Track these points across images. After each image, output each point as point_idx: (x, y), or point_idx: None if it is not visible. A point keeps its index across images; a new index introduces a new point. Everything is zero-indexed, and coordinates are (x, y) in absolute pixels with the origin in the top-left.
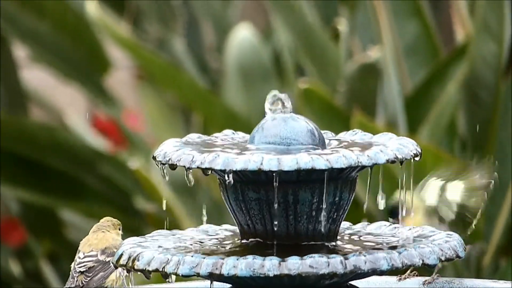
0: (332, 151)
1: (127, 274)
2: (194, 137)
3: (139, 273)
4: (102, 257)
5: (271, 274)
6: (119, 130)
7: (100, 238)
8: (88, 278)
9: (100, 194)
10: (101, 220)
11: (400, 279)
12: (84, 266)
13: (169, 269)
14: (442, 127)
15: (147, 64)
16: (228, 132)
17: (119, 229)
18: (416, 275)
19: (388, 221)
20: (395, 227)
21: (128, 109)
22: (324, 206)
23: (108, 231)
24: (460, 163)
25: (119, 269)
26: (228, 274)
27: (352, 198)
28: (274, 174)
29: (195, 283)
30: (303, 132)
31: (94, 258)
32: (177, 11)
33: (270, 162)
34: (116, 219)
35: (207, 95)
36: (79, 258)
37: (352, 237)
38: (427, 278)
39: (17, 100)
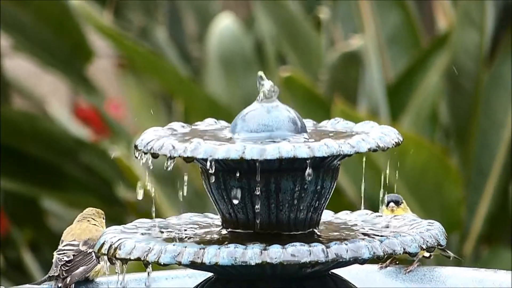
0: (314, 139)
1: (111, 264)
2: (177, 125)
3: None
4: (83, 247)
5: (252, 263)
6: (101, 118)
7: (84, 228)
8: (67, 268)
9: (82, 182)
10: (85, 210)
11: (381, 267)
12: (64, 254)
13: (151, 258)
14: (424, 116)
15: (129, 53)
16: (210, 121)
17: (103, 218)
18: (397, 263)
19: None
20: (377, 216)
21: (110, 97)
22: (306, 195)
23: (93, 219)
24: (441, 151)
25: (102, 262)
26: (209, 262)
27: (334, 186)
28: (256, 163)
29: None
30: (285, 121)
31: (75, 248)
32: (159, 0)
33: (252, 150)
34: (99, 209)
35: (189, 82)
36: (60, 244)
37: (334, 225)
38: (408, 266)
39: None
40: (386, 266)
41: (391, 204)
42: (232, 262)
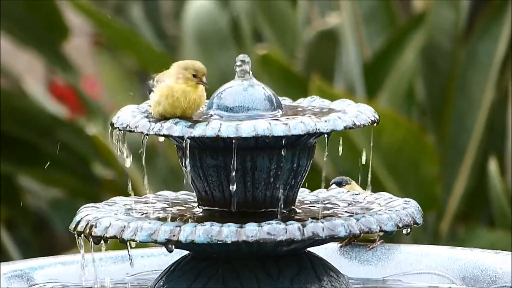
0: (290, 117)
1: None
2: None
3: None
4: None
5: (228, 241)
6: (77, 96)
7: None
8: None
9: (58, 160)
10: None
11: (341, 246)
12: None
13: (126, 235)
14: (401, 94)
15: (105, 30)
16: None
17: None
18: (382, 243)
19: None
20: (354, 194)
21: (86, 75)
22: (282, 173)
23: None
24: (418, 129)
25: None
26: (185, 240)
27: (310, 164)
28: (232, 140)
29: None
30: (261, 99)
31: None
32: None
33: (228, 128)
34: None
35: (165, 59)
36: None
37: (310, 203)
38: (371, 244)
39: None
40: (346, 245)
41: (333, 186)
42: (208, 240)
